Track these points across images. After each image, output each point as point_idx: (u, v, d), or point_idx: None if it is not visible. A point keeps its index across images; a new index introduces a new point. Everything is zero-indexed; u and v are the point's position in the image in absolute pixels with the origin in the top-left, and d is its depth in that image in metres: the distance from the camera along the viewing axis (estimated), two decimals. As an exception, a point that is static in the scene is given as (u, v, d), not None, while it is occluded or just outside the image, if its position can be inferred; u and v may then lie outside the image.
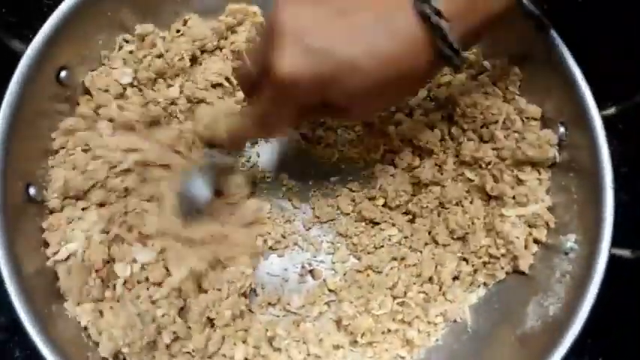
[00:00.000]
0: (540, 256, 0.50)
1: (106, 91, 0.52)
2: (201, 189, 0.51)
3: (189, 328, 0.49)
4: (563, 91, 0.49)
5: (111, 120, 0.52)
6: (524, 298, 0.50)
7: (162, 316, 0.48)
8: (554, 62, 0.49)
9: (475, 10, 0.39)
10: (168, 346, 0.49)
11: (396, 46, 0.38)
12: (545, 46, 0.49)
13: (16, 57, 0.46)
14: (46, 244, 0.48)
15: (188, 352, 0.50)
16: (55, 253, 0.48)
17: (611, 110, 0.48)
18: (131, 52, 0.54)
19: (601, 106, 0.47)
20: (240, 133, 0.49)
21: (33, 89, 0.46)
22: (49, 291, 0.47)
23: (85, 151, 0.50)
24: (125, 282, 0.49)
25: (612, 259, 0.44)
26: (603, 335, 0.52)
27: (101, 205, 0.51)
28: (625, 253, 0.45)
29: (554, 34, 0.48)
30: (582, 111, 0.48)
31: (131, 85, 0.53)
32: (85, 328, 0.48)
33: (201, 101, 0.56)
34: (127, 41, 0.54)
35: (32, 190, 0.46)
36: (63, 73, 0.49)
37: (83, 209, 0.50)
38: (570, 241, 0.48)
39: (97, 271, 0.48)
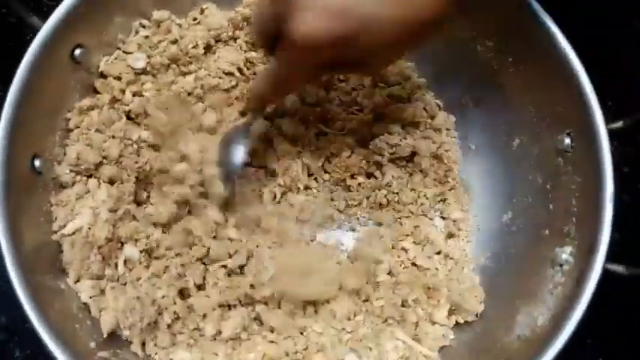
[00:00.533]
0: (535, 267, 0.50)
1: (119, 77, 0.53)
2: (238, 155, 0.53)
3: (189, 308, 0.50)
4: (571, 102, 0.48)
5: (126, 104, 0.53)
6: (516, 307, 0.49)
7: (162, 297, 0.49)
8: (565, 73, 0.48)
9: None
10: (169, 326, 0.49)
11: None
12: (556, 57, 0.48)
13: (34, 32, 0.47)
14: (54, 219, 0.49)
15: (191, 330, 0.50)
16: (62, 227, 0.49)
17: (619, 124, 0.47)
18: (147, 37, 0.55)
19: (608, 120, 0.46)
20: (259, 93, 0.48)
21: (47, 64, 0.47)
22: (49, 266, 0.48)
23: (99, 131, 0.51)
24: (126, 261, 0.50)
25: (606, 274, 0.44)
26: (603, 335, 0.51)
27: (111, 182, 0.51)
28: (619, 269, 0.44)
29: (565, 45, 0.48)
30: (589, 123, 0.47)
31: (144, 70, 0.54)
32: (85, 304, 0.48)
33: (213, 88, 0.57)
34: (143, 26, 0.55)
35: (37, 162, 0.47)
36: (77, 52, 0.50)
37: (94, 188, 0.51)
38: (566, 253, 0.47)
39: (99, 247, 0.49)
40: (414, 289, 0.53)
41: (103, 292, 0.49)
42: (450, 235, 0.58)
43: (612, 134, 0.46)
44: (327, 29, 0.37)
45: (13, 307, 0.41)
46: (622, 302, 0.51)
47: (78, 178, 0.51)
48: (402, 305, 0.52)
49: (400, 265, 0.55)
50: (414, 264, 0.55)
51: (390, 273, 0.54)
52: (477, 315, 0.52)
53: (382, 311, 0.52)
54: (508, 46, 0.53)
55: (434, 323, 0.53)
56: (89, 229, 0.49)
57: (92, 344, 0.46)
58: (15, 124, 0.45)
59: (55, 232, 0.49)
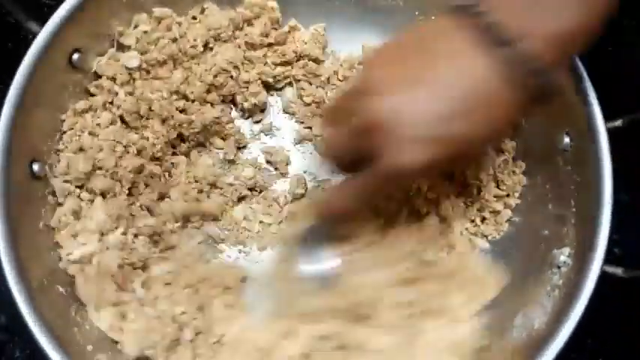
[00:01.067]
0: (533, 268, 0.49)
1: (114, 78, 0.53)
2: None
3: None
4: (570, 100, 0.48)
5: (118, 108, 0.53)
6: (514, 309, 0.49)
7: (182, 314, 0.49)
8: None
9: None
10: (191, 341, 0.50)
11: (494, 102, 0.37)
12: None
13: (33, 34, 0.47)
14: (58, 245, 0.49)
15: (212, 344, 0.50)
16: (69, 254, 0.48)
17: (618, 123, 0.46)
18: (145, 32, 0.55)
19: (608, 118, 0.46)
20: (334, 208, 0.47)
21: (45, 69, 0.47)
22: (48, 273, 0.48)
23: (92, 134, 0.51)
24: (143, 283, 0.51)
25: (605, 277, 0.43)
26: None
27: (103, 195, 0.51)
28: (617, 271, 0.43)
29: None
30: (589, 122, 0.46)
31: (139, 67, 0.54)
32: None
33: (211, 86, 0.57)
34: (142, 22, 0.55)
35: (36, 167, 0.47)
36: (75, 56, 0.50)
37: (88, 202, 0.51)
38: (564, 254, 0.47)
39: (112, 275, 0.49)
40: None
41: (122, 316, 0.49)
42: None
43: (611, 133, 0.45)
44: (423, 159, 0.37)
45: (14, 308, 0.41)
46: (621, 305, 0.50)
47: (71, 188, 0.50)
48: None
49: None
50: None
51: None
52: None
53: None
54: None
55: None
56: (99, 260, 0.49)
57: (89, 347, 0.46)
58: (13, 128, 0.45)
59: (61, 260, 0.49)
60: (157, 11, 0.55)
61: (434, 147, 0.37)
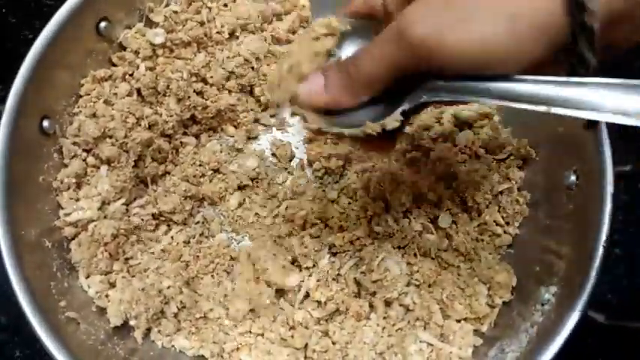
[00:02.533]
0: (519, 302, 0.49)
1: (137, 51, 0.54)
2: None
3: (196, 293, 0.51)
4: (582, 139, 0.47)
5: (137, 81, 0.54)
6: (489, 341, 0.48)
7: (168, 287, 0.50)
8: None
9: None
10: (175, 315, 0.51)
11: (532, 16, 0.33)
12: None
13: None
14: (58, 205, 0.50)
15: (196, 319, 0.51)
16: (67, 215, 0.50)
17: (627, 167, 0.45)
18: (175, 12, 0.56)
19: (617, 162, 0.45)
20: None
21: (72, 30, 0.49)
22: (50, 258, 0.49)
23: (107, 103, 0.53)
24: (133, 255, 0.52)
25: (586, 320, 0.42)
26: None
27: (109, 162, 0.52)
28: (599, 317, 0.42)
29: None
30: (597, 164, 0.45)
31: (163, 45, 0.55)
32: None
33: (231, 73, 0.57)
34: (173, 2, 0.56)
35: (46, 123, 0.48)
36: (102, 24, 0.51)
37: (93, 168, 0.52)
38: (550, 292, 0.46)
39: (105, 244, 0.50)
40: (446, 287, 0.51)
41: (111, 284, 0.51)
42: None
43: (618, 177, 0.44)
44: (439, 39, 0.33)
45: (14, 307, 0.42)
46: (599, 353, 0.49)
47: (79, 151, 0.52)
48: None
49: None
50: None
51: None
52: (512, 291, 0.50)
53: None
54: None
55: (459, 321, 0.50)
56: (95, 226, 0.50)
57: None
58: (29, 82, 0.46)
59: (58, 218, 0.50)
60: None
61: (454, 32, 0.32)
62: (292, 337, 0.49)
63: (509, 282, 0.50)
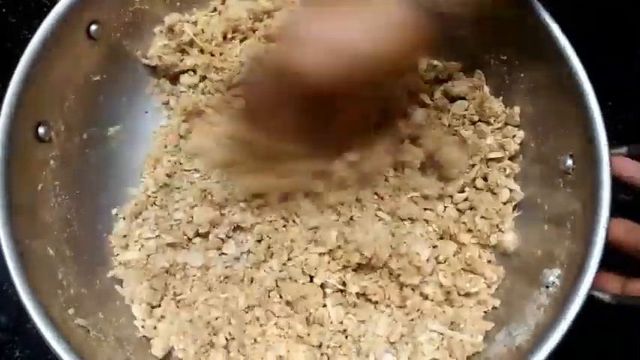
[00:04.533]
0: (523, 286, 0.49)
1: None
2: None
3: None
4: (576, 124, 0.47)
5: None
6: (497, 325, 0.49)
7: (216, 319, 0.50)
8: (574, 94, 0.47)
9: None
10: (225, 346, 0.50)
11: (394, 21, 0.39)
12: (567, 80, 0.48)
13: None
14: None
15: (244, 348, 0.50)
16: (118, 255, 0.51)
17: (622, 149, 0.46)
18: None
19: (612, 144, 0.45)
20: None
21: (61, 34, 0.48)
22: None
23: None
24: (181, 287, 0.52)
25: (591, 301, 0.43)
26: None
27: None
28: (605, 297, 0.43)
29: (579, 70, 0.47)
30: (592, 147, 0.46)
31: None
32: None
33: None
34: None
35: (41, 130, 0.48)
36: (93, 27, 0.50)
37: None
38: (554, 275, 0.46)
39: (153, 276, 0.51)
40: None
41: (159, 319, 0.51)
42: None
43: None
44: (325, 65, 0.39)
45: (14, 307, 0.41)
46: (604, 331, 0.50)
47: None
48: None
49: None
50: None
51: None
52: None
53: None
54: (520, 62, 0.52)
55: (470, 307, 0.51)
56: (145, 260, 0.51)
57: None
58: (23, 89, 0.45)
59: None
60: (167, 19, 0.56)
61: (336, 56, 0.38)
62: (309, 334, 0.49)
63: None
